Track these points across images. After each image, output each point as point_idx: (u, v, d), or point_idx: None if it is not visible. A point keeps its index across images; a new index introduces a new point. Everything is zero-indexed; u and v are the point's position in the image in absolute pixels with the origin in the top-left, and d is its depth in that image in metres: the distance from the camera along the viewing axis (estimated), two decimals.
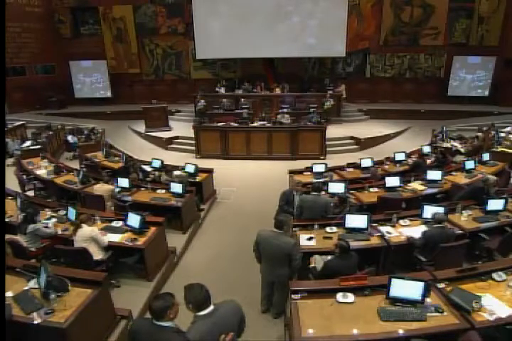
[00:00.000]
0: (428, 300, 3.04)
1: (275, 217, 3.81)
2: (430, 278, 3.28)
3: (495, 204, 4.85)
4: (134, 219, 4.64)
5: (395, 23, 14.17)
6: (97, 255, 4.21)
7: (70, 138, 10.40)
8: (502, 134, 9.42)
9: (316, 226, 4.61)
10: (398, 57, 14.63)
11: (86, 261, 4.07)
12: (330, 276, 3.46)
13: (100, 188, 5.87)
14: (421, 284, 2.98)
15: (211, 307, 2.39)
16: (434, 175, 6.25)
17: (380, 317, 2.92)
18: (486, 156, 7.37)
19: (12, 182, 7.00)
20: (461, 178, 6.48)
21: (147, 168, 7.42)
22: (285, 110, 11.31)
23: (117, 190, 5.99)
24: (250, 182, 8.33)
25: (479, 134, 9.51)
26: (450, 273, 3.39)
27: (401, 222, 4.73)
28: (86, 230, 4.21)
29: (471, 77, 14.13)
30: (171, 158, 9.47)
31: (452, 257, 4.02)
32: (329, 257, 3.73)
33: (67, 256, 4.20)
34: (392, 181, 5.95)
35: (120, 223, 4.83)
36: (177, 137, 11.40)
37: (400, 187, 5.96)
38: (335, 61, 14.75)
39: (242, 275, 4.80)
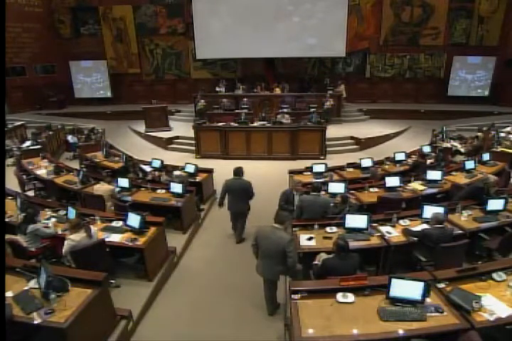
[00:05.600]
0: (428, 300, 3.04)
1: (277, 213, 3.85)
2: (430, 278, 3.28)
3: (495, 204, 4.85)
4: (134, 219, 4.64)
5: (395, 23, 14.18)
6: None
7: (70, 138, 10.42)
8: (502, 134, 9.43)
9: (316, 226, 4.61)
10: (398, 57, 14.63)
11: (104, 257, 4.13)
12: (326, 274, 3.46)
13: (100, 188, 5.87)
14: (421, 284, 2.98)
15: (238, 177, 5.46)
16: (434, 175, 6.25)
17: (380, 317, 2.92)
18: (486, 156, 7.36)
19: (12, 182, 7.00)
20: (461, 178, 6.48)
21: (147, 168, 7.42)
22: (285, 110, 11.31)
23: (117, 190, 5.99)
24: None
25: (479, 134, 9.50)
26: (450, 273, 3.39)
27: (401, 222, 4.73)
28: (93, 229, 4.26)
29: (471, 77, 14.13)
30: (171, 158, 9.47)
31: (452, 257, 4.02)
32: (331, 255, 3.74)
33: (90, 255, 4.00)
34: (392, 181, 5.94)
35: (120, 223, 4.82)
36: (177, 137, 11.40)
37: (399, 187, 5.95)
38: (335, 61, 14.76)
39: (242, 275, 4.80)
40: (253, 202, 5.94)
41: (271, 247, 3.69)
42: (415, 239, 4.23)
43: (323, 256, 3.79)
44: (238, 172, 5.51)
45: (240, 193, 5.46)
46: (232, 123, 10.16)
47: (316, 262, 3.82)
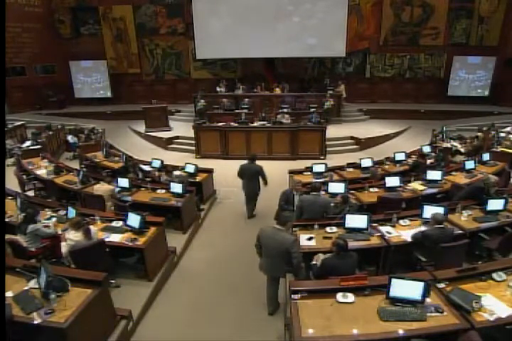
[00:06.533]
0: (428, 300, 3.04)
1: (279, 213, 3.88)
2: (430, 278, 3.28)
3: (495, 204, 4.84)
4: (134, 219, 4.64)
5: (395, 23, 14.18)
6: None
7: (70, 138, 10.42)
8: (502, 134, 9.43)
9: (316, 226, 4.61)
10: (398, 57, 14.63)
11: (104, 257, 4.13)
12: (327, 274, 3.47)
13: (100, 188, 5.87)
14: (421, 284, 2.98)
15: (251, 162, 6.19)
16: (434, 175, 6.25)
17: (380, 317, 2.92)
18: (486, 156, 7.36)
19: (12, 182, 7.00)
20: (461, 178, 6.48)
21: (147, 168, 7.42)
22: (285, 110, 11.31)
23: (117, 190, 5.99)
24: None
25: (479, 134, 9.51)
26: (450, 273, 3.39)
27: (401, 222, 4.72)
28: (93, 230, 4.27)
29: (471, 77, 14.13)
30: (171, 158, 9.47)
31: (452, 257, 4.02)
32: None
33: (89, 256, 4.00)
34: (392, 181, 5.94)
35: (120, 223, 4.83)
36: (177, 137, 11.41)
37: (399, 187, 5.95)
38: (335, 61, 14.76)
39: (242, 275, 4.81)
40: None
41: (274, 247, 3.71)
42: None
43: (321, 256, 3.80)
44: (253, 157, 6.32)
45: (252, 176, 6.23)
46: (232, 123, 10.16)
47: (314, 262, 3.83)
